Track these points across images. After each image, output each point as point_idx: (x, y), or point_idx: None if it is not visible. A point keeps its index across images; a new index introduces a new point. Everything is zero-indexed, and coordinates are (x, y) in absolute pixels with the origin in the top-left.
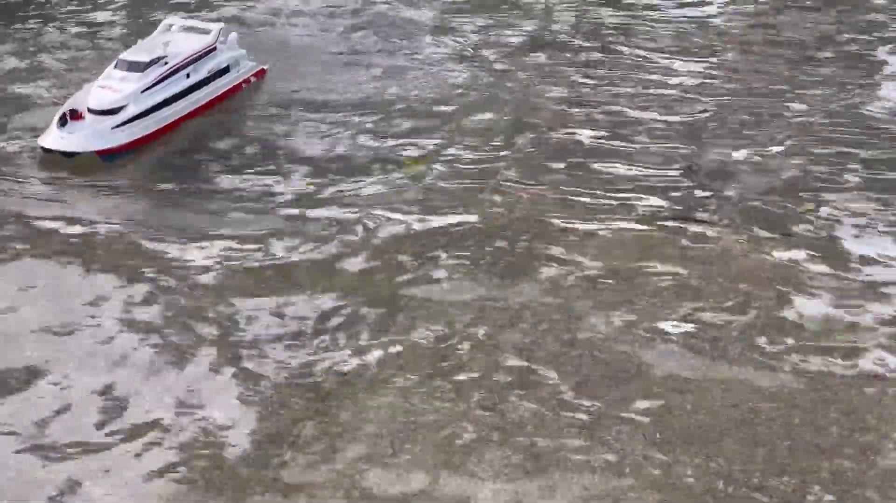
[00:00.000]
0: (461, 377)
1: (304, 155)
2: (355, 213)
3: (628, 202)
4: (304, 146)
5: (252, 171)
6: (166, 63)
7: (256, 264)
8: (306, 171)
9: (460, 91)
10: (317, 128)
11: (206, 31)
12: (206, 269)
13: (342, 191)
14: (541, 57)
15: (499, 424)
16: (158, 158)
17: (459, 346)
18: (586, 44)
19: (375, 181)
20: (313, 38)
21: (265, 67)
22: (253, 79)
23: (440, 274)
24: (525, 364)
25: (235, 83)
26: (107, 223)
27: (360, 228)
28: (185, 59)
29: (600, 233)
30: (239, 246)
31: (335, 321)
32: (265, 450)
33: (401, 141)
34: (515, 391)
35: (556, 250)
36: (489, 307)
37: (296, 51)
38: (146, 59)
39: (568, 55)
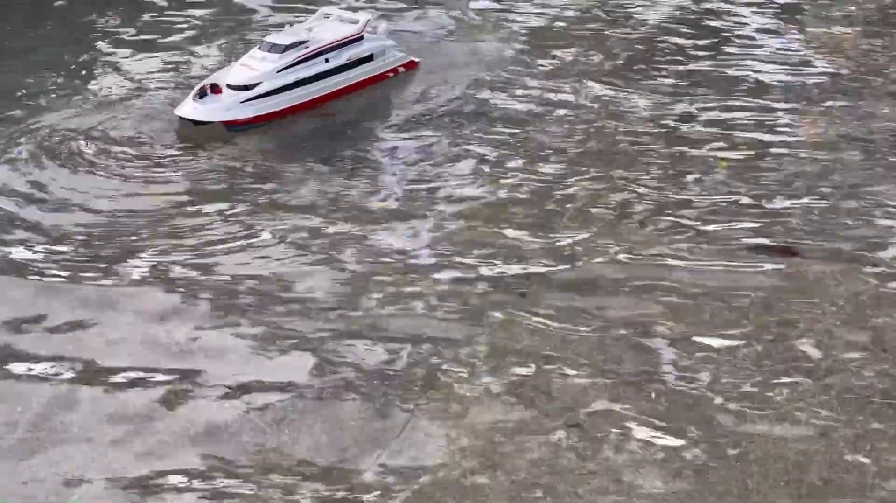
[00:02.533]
0: None
1: None
2: None
3: None
4: None
5: None
6: (306, 47)
7: None
8: None
9: None
10: None
11: (356, 21)
12: None
13: None
14: None
15: None
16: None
17: None
18: None
19: None
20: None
21: (416, 59)
22: (402, 69)
23: None
24: None
25: (379, 72)
26: None
27: None
28: (326, 44)
29: None
30: None
31: None
32: None
33: None
34: None
35: None
36: None
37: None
38: (286, 42)
39: None
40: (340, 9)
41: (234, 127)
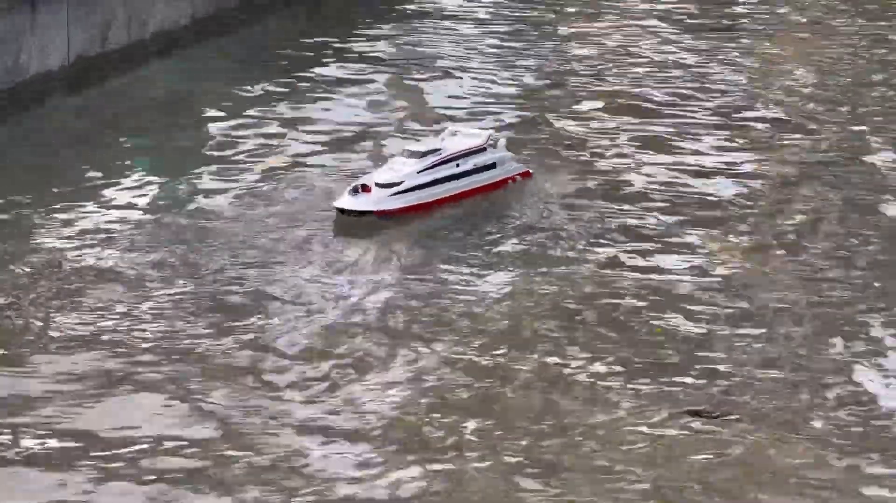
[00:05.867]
0: None
1: None
2: None
3: None
4: None
5: None
6: (440, 153)
7: None
8: None
9: None
10: None
11: (480, 135)
12: None
13: None
14: None
15: None
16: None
17: None
18: None
19: None
20: None
21: (530, 170)
22: (518, 178)
23: None
24: None
25: (499, 178)
26: None
27: None
28: (456, 152)
29: None
30: None
31: None
32: None
33: None
34: None
35: None
36: None
37: None
38: (423, 149)
39: None
40: (465, 126)
41: (384, 216)
